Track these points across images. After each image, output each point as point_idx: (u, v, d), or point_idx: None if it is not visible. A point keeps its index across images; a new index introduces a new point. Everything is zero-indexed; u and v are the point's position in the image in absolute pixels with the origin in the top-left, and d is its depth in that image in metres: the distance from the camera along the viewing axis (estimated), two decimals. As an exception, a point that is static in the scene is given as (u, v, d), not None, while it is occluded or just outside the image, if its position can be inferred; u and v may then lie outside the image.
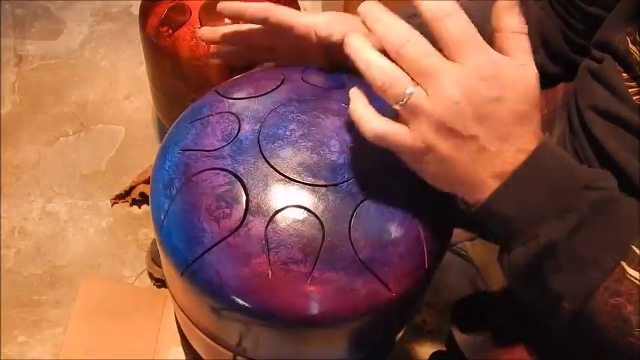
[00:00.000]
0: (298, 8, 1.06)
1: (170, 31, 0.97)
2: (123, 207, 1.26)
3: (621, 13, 0.57)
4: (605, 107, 0.57)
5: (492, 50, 0.40)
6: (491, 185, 0.40)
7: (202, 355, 0.64)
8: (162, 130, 1.38)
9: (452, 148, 0.40)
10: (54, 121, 1.41)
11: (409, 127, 0.40)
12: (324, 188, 0.47)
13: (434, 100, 0.39)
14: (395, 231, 0.47)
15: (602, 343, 0.40)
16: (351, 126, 0.51)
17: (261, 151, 0.48)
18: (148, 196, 1.21)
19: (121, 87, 1.50)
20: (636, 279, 0.38)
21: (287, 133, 0.50)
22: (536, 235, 0.40)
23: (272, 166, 0.48)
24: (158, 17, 0.99)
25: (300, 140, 0.49)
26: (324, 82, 0.55)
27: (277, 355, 0.54)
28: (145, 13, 1.03)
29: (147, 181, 1.23)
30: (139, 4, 1.06)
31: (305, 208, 0.46)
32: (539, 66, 0.65)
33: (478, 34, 0.39)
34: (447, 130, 0.39)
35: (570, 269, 0.40)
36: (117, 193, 1.26)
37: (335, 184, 0.47)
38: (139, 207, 1.26)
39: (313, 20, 0.58)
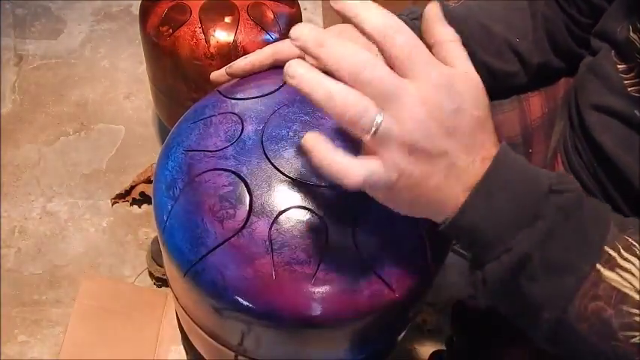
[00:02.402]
0: (299, 8, 1.06)
1: (170, 30, 0.97)
2: (123, 206, 1.26)
3: (624, 4, 0.57)
4: (601, 101, 0.58)
5: (438, 62, 0.39)
6: (460, 200, 0.39)
7: (203, 355, 0.64)
8: (162, 130, 1.38)
9: (424, 169, 0.38)
10: (54, 120, 1.41)
11: (380, 157, 0.37)
12: (328, 189, 0.47)
13: (401, 123, 0.36)
14: (398, 232, 0.47)
15: (586, 350, 0.40)
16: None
17: (264, 151, 0.49)
18: (148, 196, 1.21)
19: (121, 86, 1.49)
20: (613, 280, 0.38)
21: (290, 133, 0.50)
22: (509, 248, 0.39)
23: (275, 167, 0.48)
24: (158, 17, 0.99)
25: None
26: None
27: (279, 355, 0.54)
28: (145, 12, 1.03)
29: (147, 181, 1.23)
30: (139, 4, 1.05)
31: (309, 209, 0.46)
32: (545, 62, 0.65)
33: (425, 47, 0.38)
34: (418, 151, 0.37)
35: (546, 278, 0.39)
36: (117, 192, 1.26)
37: (339, 185, 0.47)
38: (140, 206, 1.26)
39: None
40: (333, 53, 0.36)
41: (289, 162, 0.48)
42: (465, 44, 0.62)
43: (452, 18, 0.62)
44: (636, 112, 0.54)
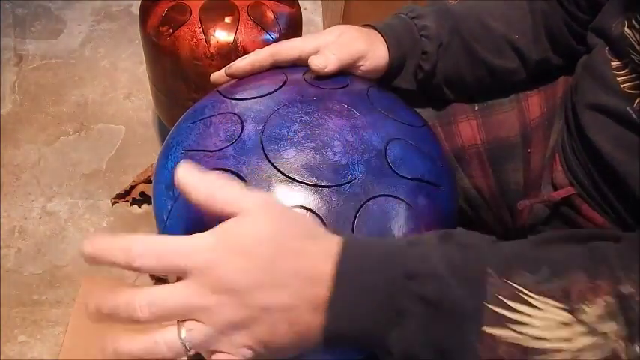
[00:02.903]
0: (299, 8, 1.06)
1: (170, 30, 0.98)
2: (123, 206, 1.26)
3: (619, 1, 0.57)
4: (595, 100, 0.58)
5: (198, 238, 0.38)
6: (316, 323, 0.37)
7: (203, 355, 0.64)
8: (162, 130, 1.38)
9: (264, 330, 0.37)
10: (54, 120, 1.41)
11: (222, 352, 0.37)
12: (328, 189, 0.47)
13: (208, 320, 0.36)
14: (398, 232, 0.47)
15: None
16: (354, 127, 0.51)
17: (264, 151, 0.48)
18: (148, 196, 1.21)
19: (121, 87, 1.50)
20: (510, 337, 0.35)
21: (290, 133, 0.50)
22: (389, 351, 0.37)
23: (275, 167, 0.48)
24: (158, 17, 0.99)
25: (303, 141, 0.49)
26: (326, 83, 0.55)
27: (278, 355, 0.54)
28: (145, 12, 1.03)
29: (147, 181, 1.23)
30: (139, 4, 1.06)
31: (308, 209, 0.46)
32: (544, 59, 0.65)
33: (166, 243, 0.37)
34: (239, 326, 0.37)
35: None
36: (117, 192, 1.26)
37: (338, 185, 0.47)
38: (140, 207, 1.26)
39: (317, 44, 0.57)
40: (114, 311, 0.37)
41: (289, 162, 0.48)
42: (464, 42, 0.62)
43: (451, 15, 0.62)
44: (629, 108, 0.54)
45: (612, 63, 0.56)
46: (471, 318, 0.36)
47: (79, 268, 1.16)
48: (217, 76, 0.59)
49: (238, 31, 0.96)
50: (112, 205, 1.26)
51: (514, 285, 0.35)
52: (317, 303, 0.37)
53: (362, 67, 0.58)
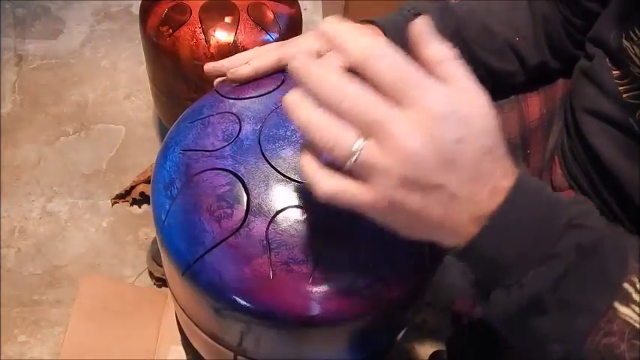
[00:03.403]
0: (299, 8, 1.06)
1: (170, 30, 0.98)
2: (123, 207, 1.26)
3: (616, 9, 0.57)
4: (596, 107, 0.58)
5: (437, 83, 0.35)
6: (470, 229, 0.37)
7: (203, 355, 0.64)
8: (162, 130, 1.38)
9: (419, 200, 0.35)
10: (54, 120, 1.41)
11: (367, 184, 0.35)
12: (325, 188, 0.47)
13: (389, 154, 0.34)
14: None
15: None
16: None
17: (262, 151, 0.49)
18: (148, 196, 1.21)
19: (121, 87, 1.50)
20: (628, 316, 0.36)
21: (288, 133, 0.50)
22: (520, 284, 0.37)
23: (273, 167, 0.48)
24: (158, 17, 0.99)
25: (300, 141, 0.49)
26: None
27: (278, 355, 0.54)
28: (145, 12, 1.03)
29: (147, 181, 1.23)
30: (139, 4, 1.06)
31: (306, 209, 0.46)
32: (543, 62, 0.65)
33: (417, 69, 0.35)
34: (410, 183, 0.35)
35: (558, 316, 0.37)
36: (117, 192, 1.26)
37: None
38: (140, 207, 1.26)
39: (319, 44, 0.55)
40: (315, 82, 0.36)
41: (287, 161, 0.48)
42: (465, 43, 0.62)
43: (453, 15, 0.62)
44: (631, 119, 0.54)
45: (613, 72, 0.56)
46: (609, 286, 0.37)
47: (79, 268, 1.16)
48: (212, 68, 0.57)
49: (238, 31, 0.96)
50: (112, 205, 1.26)
51: None
52: (482, 214, 0.36)
53: None
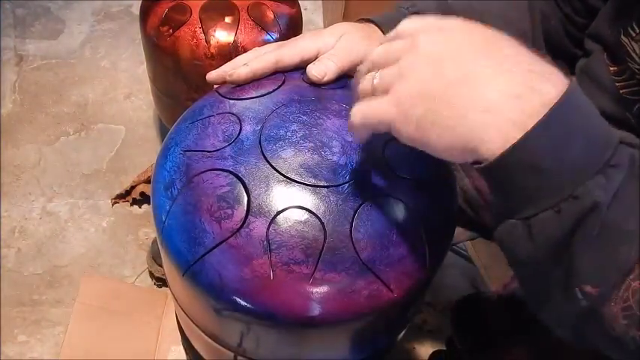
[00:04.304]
0: (299, 8, 1.06)
1: (170, 30, 0.97)
2: (123, 207, 1.26)
3: (615, 5, 0.57)
4: (594, 103, 0.58)
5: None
6: (511, 132, 0.33)
7: (203, 355, 0.64)
8: (162, 130, 1.38)
9: (444, 88, 0.35)
10: (54, 120, 1.41)
11: (390, 93, 0.38)
12: (326, 189, 0.47)
13: (406, 67, 0.38)
14: (396, 232, 0.47)
15: (610, 337, 0.36)
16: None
17: (262, 151, 0.48)
18: (148, 196, 1.21)
19: (121, 87, 1.49)
20: None
21: (288, 133, 0.50)
22: (576, 197, 0.33)
23: (273, 167, 0.48)
24: (158, 17, 0.99)
25: (301, 141, 0.49)
26: (325, 83, 0.55)
27: (278, 356, 0.54)
28: (145, 12, 1.03)
29: (147, 181, 1.23)
30: (139, 4, 1.06)
31: (306, 209, 0.46)
32: None
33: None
34: (421, 94, 0.36)
35: (604, 243, 0.34)
36: (117, 192, 1.26)
37: (336, 185, 0.47)
38: (140, 207, 1.26)
39: (318, 47, 0.56)
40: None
41: (287, 162, 0.48)
42: None
43: (451, 12, 0.62)
44: (628, 114, 0.54)
45: (611, 68, 0.56)
46: None
47: (79, 268, 1.16)
48: (215, 77, 0.58)
49: (238, 31, 0.96)
50: (112, 205, 1.26)
51: None
52: (525, 111, 0.33)
53: None
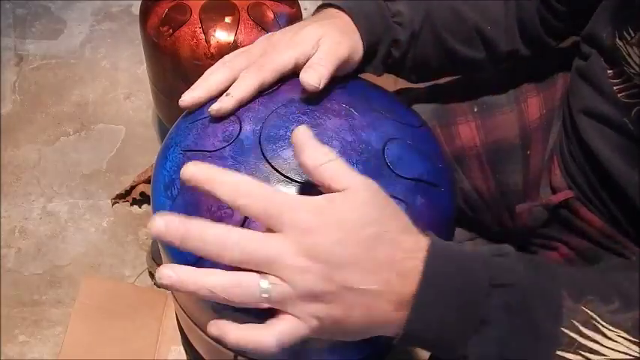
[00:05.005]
0: (299, 8, 1.06)
1: (170, 30, 0.97)
2: (123, 207, 1.26)
3: (608, 8, 0.57)
4: (592, 106, 0.58)
5: (299, 200, 0.38)
6: (399, 316, 0.37)
7: (203, 355, 0.64)
8: (162, 130, 1.38)
9: (337, 307, 0.37)
10: (54, 120, 1.41)
11: (290, 314, 0.38)
12: (326, 189, 0.47)
13: (288, 279, 0.36)
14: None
15: None
16: (352, 127, 0.51)
17: (262, 151, 0.48)
18: (148, 196, 1.21)
19: (121, 87, 1.49)
20: None
21: (288, 133, 0.50)
22: (465, 356, 0.37)
23: (273, 167, 0.48)
24: (158, 17, 0.99)
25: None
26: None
27: (278, 356, 0.54)
28: (145, 12, 1.03)
29: (147, 181, 1.23)
30: (139, 4, 1.06)
31: (306, 209, 0.46)
32: (514, 50, 0.64)
33: (281, 195, 0.38)
34: (319, 296, 0.37)
35: None
36: (117, 192, 1.26)
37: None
38: (140, 207, 1.26)
39: (296, 57, 0.52)
40: (199, 238, 0.37)
41: (287, 162, 0.48)
42: (433, 28, 0.60)
43: (430, 8, 0.60)
44: (626, 119, 0.53)
45: (608, 71, 0.56)
46: (547, 338, 0.36)
47: (79, 268, 1.16)
48: (189, 103, 0.53)
49: (238, 31, 0.96)
50: (112, 205, 1.26)
51: (588, 312, 0.36)
52: (402, 298, 0.37)
53: (343, 70, 0.55)
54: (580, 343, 0.36)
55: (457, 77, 0.71)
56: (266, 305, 0.37)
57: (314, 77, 0.50)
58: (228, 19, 0.97)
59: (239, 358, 0.56)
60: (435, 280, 0.37)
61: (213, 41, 0.95)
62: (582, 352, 0.36)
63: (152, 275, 1.13)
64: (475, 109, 0.68)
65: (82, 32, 1.62)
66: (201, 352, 0.64)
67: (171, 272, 0.37)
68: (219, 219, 0.46)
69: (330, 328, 0.38)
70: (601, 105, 0.56)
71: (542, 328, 0.37)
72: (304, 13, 1.12)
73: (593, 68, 0.58)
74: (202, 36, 0.96)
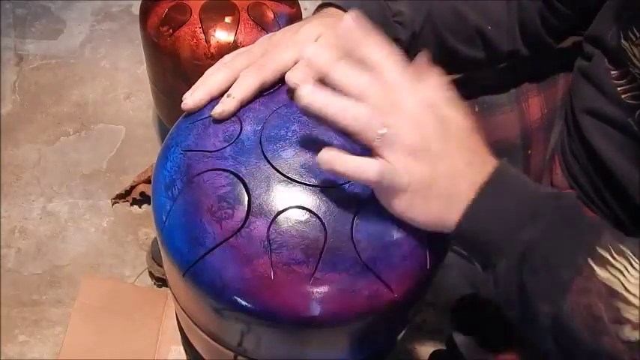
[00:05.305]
0: (299, 8, 1.06)
1: (170, 30, 0.97)
2: (123, 206, 1.26)
3: (612, 8, 0.57)
4: (595, 107, 0.58)
5: (419, 87, 0.43)
6: (469, 195, 0.43)
7: (203, 355, 0.64)
8: (162, 130, 1.37)
9: (429, 170, 0.42)
10: (54, 120, 1.41)
11: (388, 160, 0.42)
12: (327, 189, 0.47)
13: (402, 128, 0.41)
14: (397, 232, 0.47)
15: (582, 349, 0.41)
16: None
17: (263, 151, 0.48)
18: (148, 196, 1.21)
19: (121, 87, 1.49)
20: (604, 278, 0.40)
21: (289, 133, 0.50)
22: (514, 243, 0.42)
23: (274, 167, 0.48)
24: (158, 17, 0.99)
25: (302, 141, 0.49)
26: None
27: (278, 356, 0.54)
28: (145, 12, 1.03)
29: (147, 181, 1.23)
30: (139, 4, 1.05)
31: (307, 209, 0.46)
32: (514, 50, 0.65)
33: (405, 79, 0.43)
34: (419, 151, 0.42)
35: (545, 271, 0.41)
36: (117, 192, 1.26)
37: (337, 186, 0.47)
38: (140, 207, 1.26)
39: (295, 57, 0.52)
40: (343, 74, 0.42)
41: (288, 162, 0.48)
42: (435, 27, 0.61)
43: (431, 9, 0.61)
44: (630, 119, 0.53)
45: (612, 72, 0.56)
46: (583, 245, 0.41)
47: (79, 268, 1.16)
48: (192, 106, 0.54)
49: (238, 31, 0.96)
50: (112, 205, 1.26)
51: (621, 246, 0.40)
52: (479, 177, 0.43)
53: None
54: (610, 261, 0.40)
55: (458, 77, 0.71)
56: (376, 143, 0.42)
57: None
58: (228, 19, 0.97)
59: (239, 358, 0.56)
60: (504, 176, 0.43)
61: (213, 41, 0.95)
62: (610, 269, 0.40)
63: (152, 275, 1.13)
64: (476, 109, 0.68)
65: (82, 32, 1.62)
66: (201, 352, 0.64)
67: (309, 92, 0.42)
68: (219, 219, 0.46)
69: (415, 189, 0.42)
70: (604, 105, 0.56)
71: (583, 238, 0.41)
72: (304, 13, 1.12)
73: (597, 69, 0.58)
74: (202, 36, 0.96)
